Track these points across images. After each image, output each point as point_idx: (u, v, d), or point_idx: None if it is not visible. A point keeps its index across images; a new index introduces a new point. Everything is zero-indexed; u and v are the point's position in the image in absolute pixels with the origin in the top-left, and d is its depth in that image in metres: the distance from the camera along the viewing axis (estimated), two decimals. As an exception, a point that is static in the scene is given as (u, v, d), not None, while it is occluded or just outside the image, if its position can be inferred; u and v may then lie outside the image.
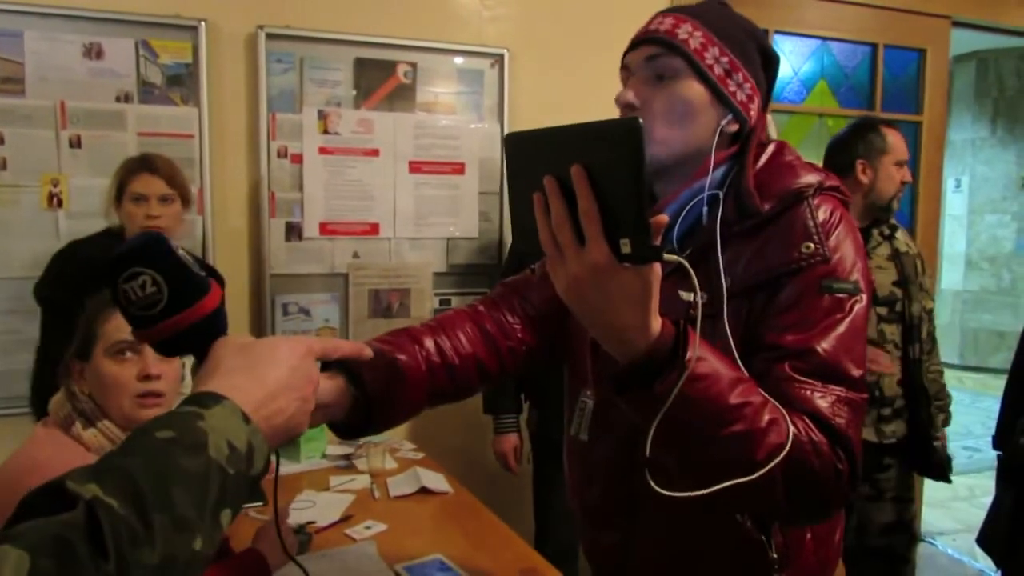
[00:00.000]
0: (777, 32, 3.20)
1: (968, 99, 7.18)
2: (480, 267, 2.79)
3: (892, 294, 2.15)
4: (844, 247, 0.90)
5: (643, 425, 0.74)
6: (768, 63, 1.04)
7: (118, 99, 2.37)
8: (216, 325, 0.74)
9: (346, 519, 1.89)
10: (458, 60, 2.71)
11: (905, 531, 2.26)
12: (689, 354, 0.72)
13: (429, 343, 1.04)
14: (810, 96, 3.33)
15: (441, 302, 2.75)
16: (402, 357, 1.00)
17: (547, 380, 2.27)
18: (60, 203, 2.34)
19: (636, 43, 1.01)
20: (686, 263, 0.69)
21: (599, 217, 0.66)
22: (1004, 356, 6.54)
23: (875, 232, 2.21)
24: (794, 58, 3.28)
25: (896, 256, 2.21)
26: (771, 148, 1.01)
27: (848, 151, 2.22)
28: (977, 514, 3.61)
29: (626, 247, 0.66)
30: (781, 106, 3.26)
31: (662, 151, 0.98)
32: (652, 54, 0.98)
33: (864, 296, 0.89)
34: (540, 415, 2.47)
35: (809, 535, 0.99)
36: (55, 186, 2.33)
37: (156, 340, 0.73)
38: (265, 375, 0.68)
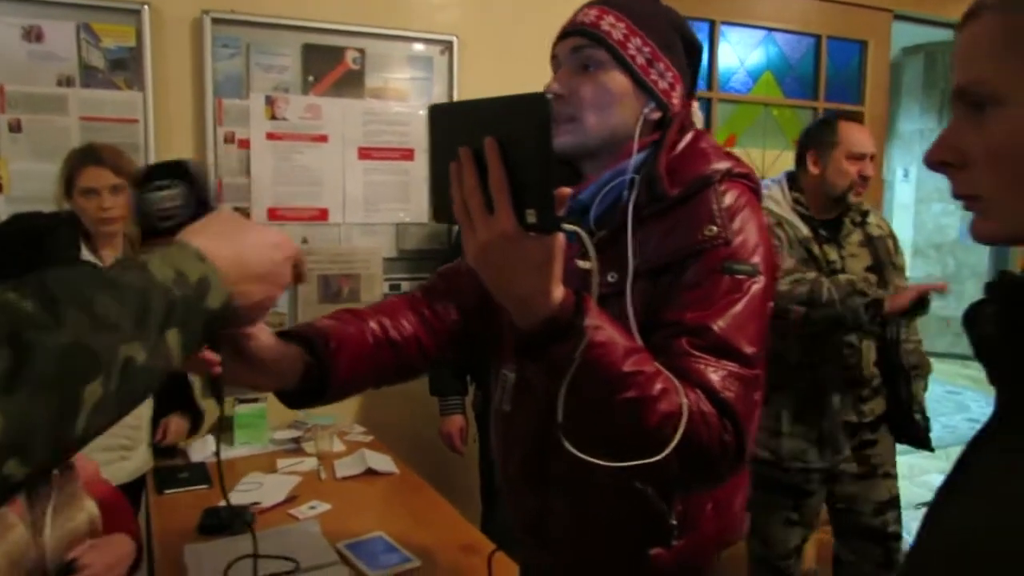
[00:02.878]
0: (724, 23, 3.26)
1: (916, 91, 7.38)
2: (430, 252, 2.81)
3: (866, 280, 2.16)
4: (747, 231, 0.95)
5: (550, 389, 0.78)
6: (691, 52, 1.09)
7: (60, 83, 2.34)
8: None
9: (290, 500, 1.91)
10: (407, 46, 2.72)
11: (895, 507, 2.30)
12: (586, 321, 0.76)
13: (372, 322, 1.08)
14: (756, 86, 3.41)
15: (391, 287, 2.77)
16: (350, 330, 1.04)
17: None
18: (0, 188, 2.31)
19: (564, 34, 1.06)
20: (583, 233, 0.74)
21: (508, 187, 0.69)
22: (949, 340, 6.77)
23: (846, 221, 2.23)
24: (741, 49, 3.35)
25: (869, 241, 2.23)
26: (689, 136, 1.05)
27: (802, 143, 2.27)
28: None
29: (531, 217, 0.70)
30: (728, 95, 3.34)
31: (588, 137, 1.03)
32: (577, 45, 1.03)
33: (763, 278, 0.94)
34: (485, 396, 2.51)
35: (710, 504, 1.04)
36: (-5, 171, 2.30)
37: None
38: (246, 255, 0.69)
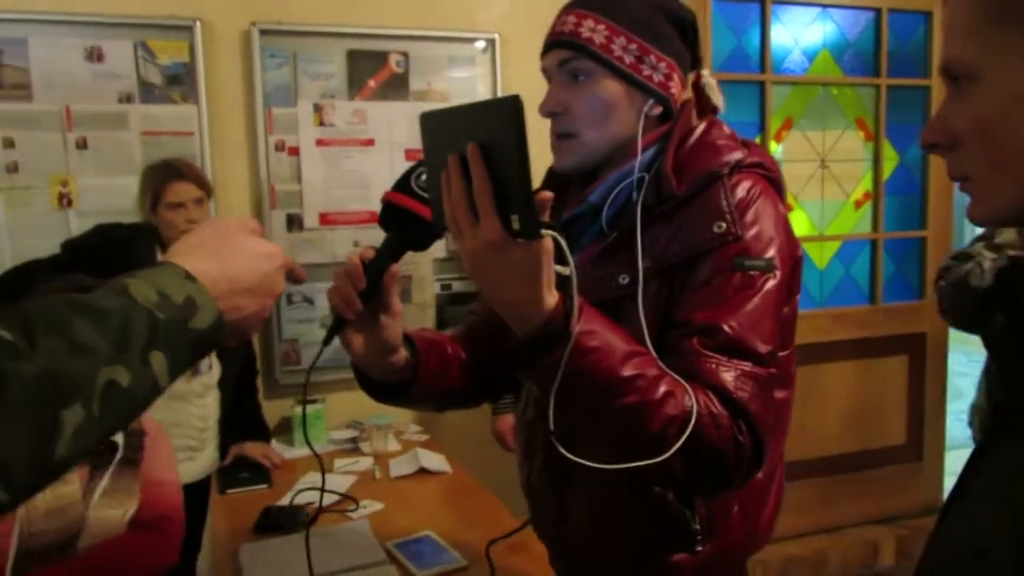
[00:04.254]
0: (775, 3, 3.16)
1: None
2: (481, 251, 2.82)
3: None
4: (761, 223, 0.92)
5: (543, 397, 0.77)
6: (684, 30, 1.04)
7: (120, 100, 2.45)
8: (405, 220, 0.87)
9: (345, 500, 1.95)
10: (449, 47, 2.74)
11: None
12: (574, 328, 0.75)
13: (449, 346, 1.09)
14: (813, 66, 3.29)
15: (442, 287, 2.80)
16: (435, 340, 1.06)
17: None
18: (70, 203, 2.43)
19: (547, 46, 1.04)
20: (561, 239, 0.72)
21: (491, 194, 0.69)
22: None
23: None
24: (795, 28, 3.24)
25: None
26: (700, 128, 1.02)
27: None
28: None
29: (516, 223, 0.69)
30: (783, 77, 3.23)
31: (590, 151, 1.01)
32: (563, 58, 1.01)
33: (779, 272, 0.90)
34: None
35: (736, 508, 1.01)
36: (64, 186, 2.42)
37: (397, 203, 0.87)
38: (235, 270, 0.69)
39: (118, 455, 1.47)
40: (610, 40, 0.98)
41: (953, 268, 2.29)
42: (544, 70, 1.05)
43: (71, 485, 1.37)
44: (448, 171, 0.72)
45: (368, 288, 0.86)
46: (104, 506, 1.41)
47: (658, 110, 1.02)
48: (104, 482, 1.42)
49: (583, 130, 1.00)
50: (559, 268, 0.75)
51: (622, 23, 0.99)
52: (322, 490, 0.96)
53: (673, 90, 1.02)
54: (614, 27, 0.99)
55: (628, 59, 0.99)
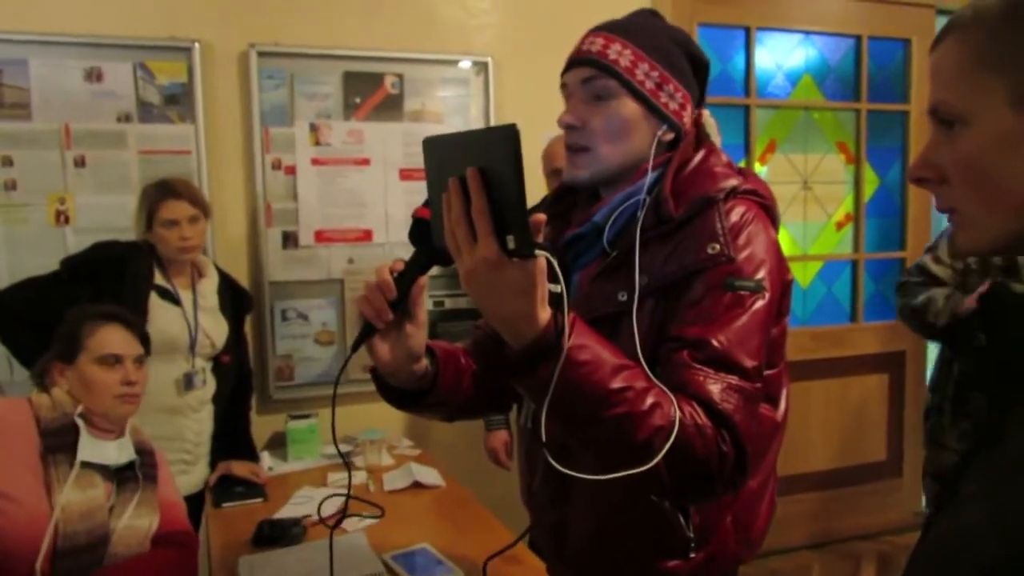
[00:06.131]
0: (760, 29, 3.25)
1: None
2: (472, 269, 2.87)
3: None
4: (753, 247, 0.97)
5: (536, 408, 0.82)
6: (698, 68, 1.11)
7: (119, 119, 2.49)
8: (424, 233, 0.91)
9: (330, 516, 1.98)
10: (444, 69, 2.80)
11: None
12: (566, 342, 0.79)
13: (463, 357, 1.15)
14: (795, 90, 3.39)
15: (435, 304, 2.84)
16: (452, 351, 1.11)
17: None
18: (67, 220, 2.46)
19: (571, 64, 1.09)
20: (553, 259, 0.78)
21: (488, 215, 0.74)
22: None
23: None
24: (778, 53, 3.34)
25: None
26: (699, 155, 1.07)
27: None
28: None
29: (511, 243, 0.74)
30: (766, 101, 3.32)
31: (603, 167, 1.06)
32: (587, 76, 1.06)
33: (768, 294, 0.96)
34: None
35: (729, 518, 1.06)
36: (62, 204, 2.45)
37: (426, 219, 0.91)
38: None
39: (139, 476, 1.58)
40: (635, 64, 1.04)
41: (909, 286, 2.39)
42: (564, 86, 1.10)
43: (98, 489, 1.49)
44: (449, 193, 0.77)
45: (397, 299, 0.91)
46: (135, 517, 1.53)
47: (669, 136, 1.07)
48: (137, 496, 1.55)
49: (598, 145, 1.05)
50: (551, 286, 0.80)
51: (647, 50, 1.05)
52: (347, 496, 1.00)
53: (685, 120, 1.08)
54: (639, 53, 1.04)
55: (649, 84, 1.04)
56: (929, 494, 2.59)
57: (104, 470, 1.53)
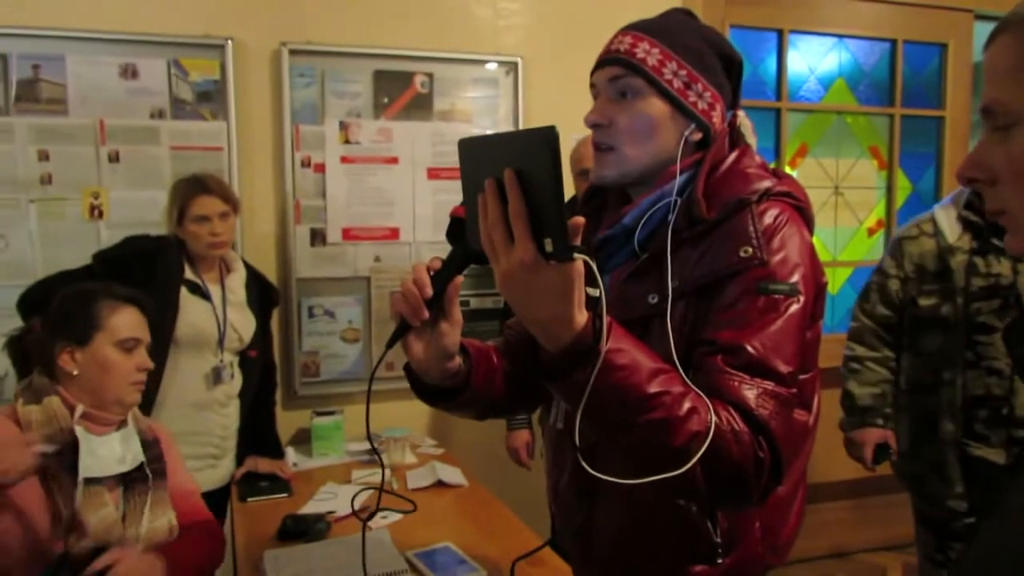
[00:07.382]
0: (792, 32, 3.22)
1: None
2: (498, 269, 2.87)
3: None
4: (787, 250, 0.95)
5: (572, 412, 0.81)
6: (730, 67, 1.09)
7: (152, 116, 2.52)
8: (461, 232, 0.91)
9: (363, 510, 1.99)
10: (473, 69, 2.80)
11: None
12: (603, 346, 0.78)
13: (494, 355, 1.14)
14: (828, 94, 3.34)
15: (461, 303, 2.83)
16: (484, 350, 1.11)
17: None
18: (101, 214, 2.49)
19: (600, 63, 1.08)
20: (591, 262, 0.77)
21: (526, 217, 0.73)
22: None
23: None
24: (811, 56, 3.30)
25: None
26: (732, 156, 1.06)
27: None
28: None
29: (549, 246, 0.74)
30: (798, 105, 3.28)
31: (629, 166, 1.05)
32: (615, 75, 1.05)
33: (803, 297, 0.94)
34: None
35: (757, 523, 1.04)
36: (96, 198, 2.49)
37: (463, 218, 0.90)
38: None
39: (148, 474, 1.53)
40: (662, 63, 1.03)
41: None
42: (593, 85, 1.09)
43: (108, 507, 1.43)
44: (485, 194, 0.76)
45: (433, 297, 0.91)
46: (153, 519, 1.49)
47: (698, 136, 1.05)
48: (149, 499, 1.50)
49: (624, 144, 1.04)
50: (589, 289, 0.79)
51: (675, 50, 1.03)
52: (380, 489, 1.00)
53: (715, 120, 1.06)
54: (668, 52, 1.03)
55: (677, 83, 1.03)
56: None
57: (109, 478, 1.45)
